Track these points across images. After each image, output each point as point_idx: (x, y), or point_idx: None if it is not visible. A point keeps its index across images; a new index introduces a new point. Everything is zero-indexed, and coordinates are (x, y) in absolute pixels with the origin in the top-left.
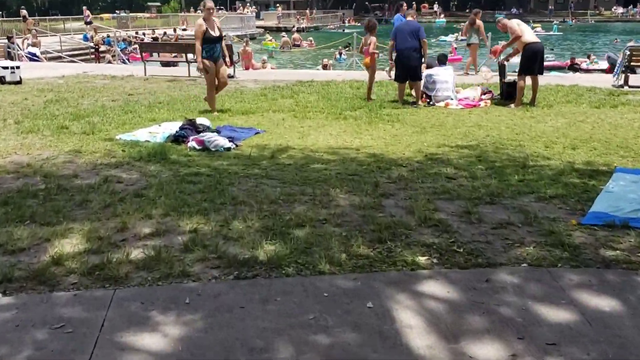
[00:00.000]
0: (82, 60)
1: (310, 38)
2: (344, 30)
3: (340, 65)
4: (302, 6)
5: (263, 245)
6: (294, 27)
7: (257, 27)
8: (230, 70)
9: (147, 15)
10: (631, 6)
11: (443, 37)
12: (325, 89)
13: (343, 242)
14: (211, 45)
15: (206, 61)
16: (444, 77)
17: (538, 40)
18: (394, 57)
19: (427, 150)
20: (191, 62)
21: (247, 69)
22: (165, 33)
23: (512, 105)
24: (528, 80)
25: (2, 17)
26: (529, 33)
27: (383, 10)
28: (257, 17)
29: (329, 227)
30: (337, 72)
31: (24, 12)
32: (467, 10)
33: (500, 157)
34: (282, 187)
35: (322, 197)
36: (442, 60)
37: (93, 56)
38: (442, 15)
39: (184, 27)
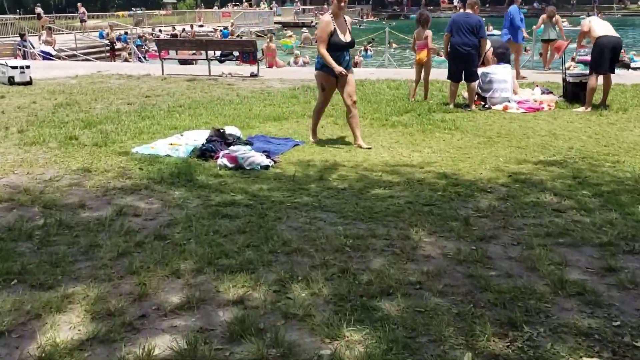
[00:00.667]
0: (97, 58)
1: None
2: (360, 25)
3: (367, 62)
4: (319, 1)
5: (343, 333)
6: (312, 22)
7: (275, 22)
8: (253, 69)
9: (163, 12)
10: None
11: None
12: (361, 89)
13: (459, 327)
14: (337, 54)
15: (323, 73)
16: (502, 75)
17: (612, 33)
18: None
19: (508, 169)
20: (211, 59)
21: (270, 66)
22: (184, 30)
23: (581, 109)
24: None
25: (20, 14)
26: (600, 27)
27: (402, 6)
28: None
29: (429, 297)
30: (369, 70)
31: (38, 9)
32: (487, 5)
33: (602, 178)
34: (344, 224)
35: (401, 242)
36: (502, 56)
37: (108, 54)
38: (462, 10)
39: (200, 23)
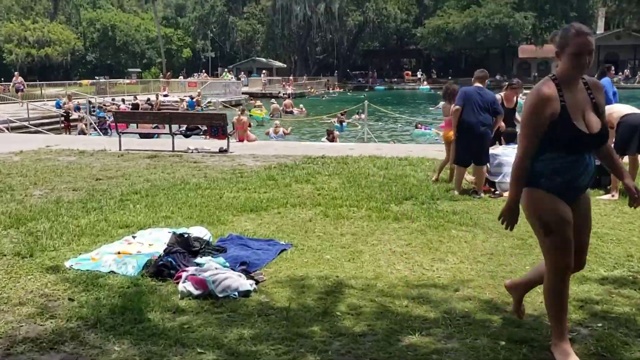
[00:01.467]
0: (50, 130)
1: (301, 105)
2: (322, 97)
3: (342, 135)
4: (285, 72)
5: None
6: (279, 93)
7: (243, 93)
8: (223, 143)
9: (127, 81)
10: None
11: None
12: (345, 168)
13: None
14: (570, 159)
15: (547, 197)
16: (513, 158)
17: (635, 111)
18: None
19: (575, 295)
20: (176, 133)
21: (241, 140)
22: (148, 99)
23: (607, 196)
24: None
25: None
26: (620, 105)
27: (366, 77)
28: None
29: None
30: (347, 145)
31: None
32: (449, 78)
33: None
34: None
35: None
36: (511, 136)
37: (63, 125)
38: (425, 82)
39: (165, 92)
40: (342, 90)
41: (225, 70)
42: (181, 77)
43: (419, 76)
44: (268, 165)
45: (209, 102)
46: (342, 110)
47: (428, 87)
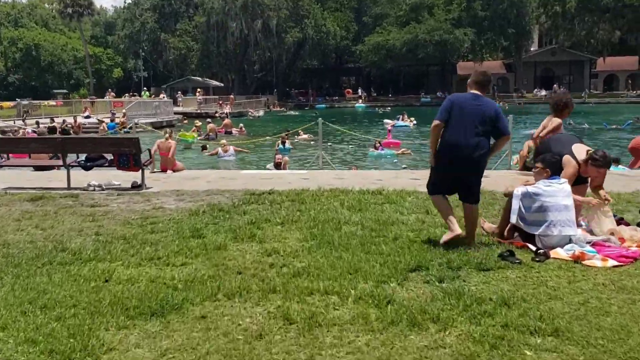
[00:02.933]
0: None
1: (241, 125)
2: (256, 117)
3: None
4: (223, 91)
5: None
6: (215, 112)
7: (175, 113)
8: (138, 176)
9: (52, 102)
10: (556, 87)
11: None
12: (304, 210)
13: None
14: None
15: None
16: (561, 198)
17: None
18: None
19: None
20: (72, 165)
21: (164, 170)
22: (64, 122)
23: None
24: None
25: None
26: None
27: (307, 96)
28: (175, 102)
29: None
30: (299, 173)
31: None
32: (390, 96)
33: None
34: None
35: None
36: (555, 166)
37: None
38: (361, 100)
39: (86, 114)
40: (282, 109)
41: (144, 89)
42: (107, 97)
43: (359, 94)
44: (195, 208)
45: (136, 124)
46: (285, 130)
47: (364, 105)
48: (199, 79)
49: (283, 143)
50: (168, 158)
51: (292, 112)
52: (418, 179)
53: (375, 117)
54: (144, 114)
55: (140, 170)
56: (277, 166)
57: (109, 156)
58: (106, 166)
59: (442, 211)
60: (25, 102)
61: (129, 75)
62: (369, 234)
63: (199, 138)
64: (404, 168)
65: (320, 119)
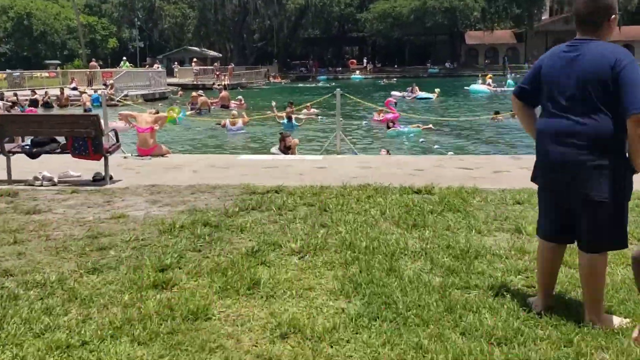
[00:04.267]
0: None
1: (240, 97)
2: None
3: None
4: (221, 62)
5: None
6: (213, 84)
7: (170, 84)
8: (100, 167)
9: (45, 74)
10: None
11: (396, 93)
12: (333, 225)
13: None
14: None
15: None
16: None
17: None
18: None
19: None
20: (14, 152)
21: (144, 154)
22: (46, 93)
23: None
24: None
25: None
26: None
27: (309, 67)
28: (171, 74)
29: None
30: (312, 159)
31: None
32: (395, 67)
33: None
34: None
35: None
36: None
37: None
38: (358, 72)
39: (73, 85)
40: (284, 80)
41: (124, 59)
42: (95, 65)
43: (364, 65)
44: (170, 217)
45: (126, 96)
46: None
47: (361, 76)
48: (196, 48)
49: (289, 119)
50: (145, 140)
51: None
52: (470, 169)
53: (381, 89)
54: (136, 86)
55: (104, 159)
56: (286, 150)
57: (61, 140)
58: (57, 152)
59: (544, 270)
60: (16, 73)
61: (125, 46)
62: (448, 279)
63: (187, 113)
64: (422, 142)
65: (338, 89)
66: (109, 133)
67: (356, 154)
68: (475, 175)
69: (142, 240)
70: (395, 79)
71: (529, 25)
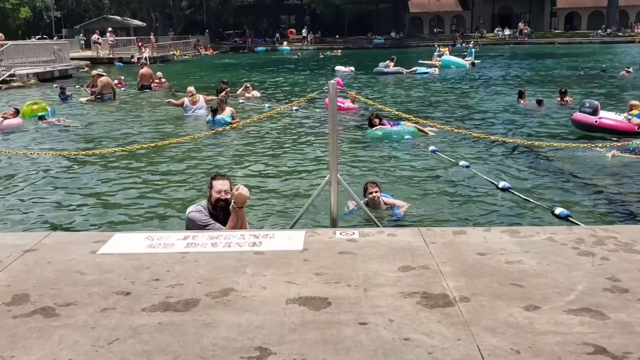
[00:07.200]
0: None
1: (160, 74)
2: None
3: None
4: (146, 32)
5: None
6: (132, 57)
7: (78, 58)
8: None
9: None
10: (521, 25)
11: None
12: None
13: None
14: None
15: None
16: None
17: None
18: None
19: None
20: None
21: None
22: None
23: None
24: None
25: None
26: None
27: (244, 37)
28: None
29: None
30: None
31: None
32: (337, 36)
33: None
34: None
35: None
36: None
37: None
38: (285, 43)
39: None
40: (215, 52)
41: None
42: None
43: (304, 34)
44: None
45: (12, 75)
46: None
47: (288, 48)
48: (118, 18)
49: (214, 112)
50: None
51: (215, 54)
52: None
53: (328, 62)
54: (30, 62)
55: None
56: (217, 208)
57: None
58: None
59: None
60: None
61: (40, 16)
62: None
63: (87, 99)
64: (434, 152)
65: (331, 81)
66: None
67: (378, 226)
68: None
69: None
70: (339, 51)
71: None
